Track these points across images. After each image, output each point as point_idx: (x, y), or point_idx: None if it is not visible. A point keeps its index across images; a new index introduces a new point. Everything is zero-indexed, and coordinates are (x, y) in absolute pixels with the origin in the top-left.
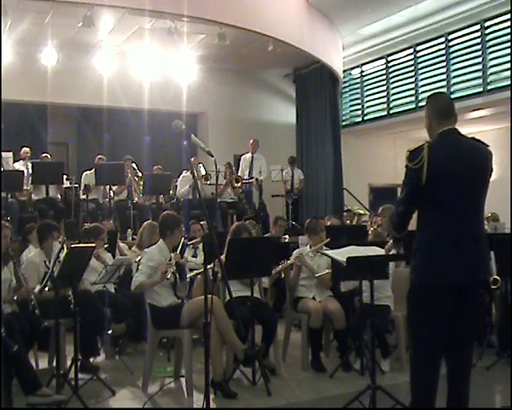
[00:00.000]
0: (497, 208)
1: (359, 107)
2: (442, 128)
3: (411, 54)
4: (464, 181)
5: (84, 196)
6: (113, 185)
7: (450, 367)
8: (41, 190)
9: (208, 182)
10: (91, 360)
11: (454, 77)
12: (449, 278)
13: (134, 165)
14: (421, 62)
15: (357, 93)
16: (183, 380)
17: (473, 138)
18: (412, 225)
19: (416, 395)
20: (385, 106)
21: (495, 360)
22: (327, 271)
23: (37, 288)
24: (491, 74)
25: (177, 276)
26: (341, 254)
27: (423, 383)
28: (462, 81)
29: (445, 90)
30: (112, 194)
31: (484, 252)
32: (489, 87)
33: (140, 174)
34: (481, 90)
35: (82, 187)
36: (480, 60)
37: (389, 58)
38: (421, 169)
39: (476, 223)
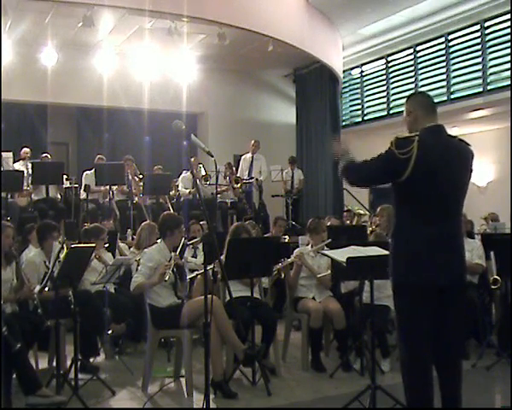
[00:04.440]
0: (497, 208)
1: (359, 107)
2: (428, 123)
3: (411, 54)
4: (448, 182)
5: (84, 196)
6: (114, 185)
7: (437, 370)
8: (41, 190)
9: (208, 182)
10: (91, 360)
11: (454, 77)
12: (427, 279)
13: (134, 165)
14: (421, 62)
15: (357, 93)
16: (183, 380)
17: (456, 138)
18: None
19: (410, 393)
20: (385, 106)
21: (495, 360)
22: (328, 272)
23: (37, 288)
24: (491, 74)
25: (178, 276)
26: (341, 254)
27: (415, 380)
28: (462, 81)
29: (444, 90)
30: (112, 194)
31: (461, 254)
32: (489, 87)
33: (141, 176)
34: (481, 90)
35: (82, 187)
36: (480, 60)
37: (389, 58)
38: (407, 161)
39: (456, 225)
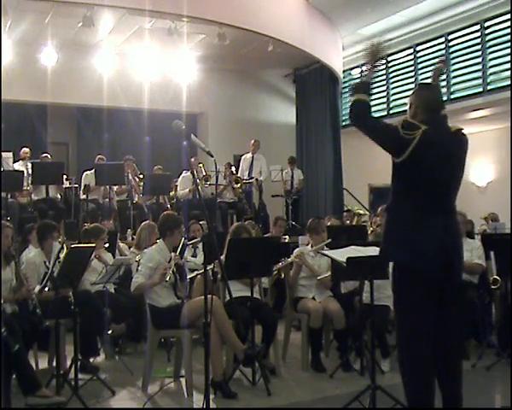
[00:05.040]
0: (497, 208)
1: None
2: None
3: (411, 54)
4: (445, 172)
5: (84, 196)
6: (114, 185)
7: (438, 370)
8: (41, 190)
9: (208, 182)
10: (91, 360)
11: (454, 77)
12: (420, 260)
13: (134, 165)
14: (421, 62)
15: None
16: (182, 380)
17: (456, 128)
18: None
19: (410, 393)
20: (385, 106)
21: (495, 360)
22: (329, 273)
23: (37, 288)
24: (491, 74)
25: (178, 276)
26: (341, 254)
27: (415, 380)
28: (462, 81)
29: (444, 90)
30: (112, 194)
31: (459, 242)
32: (489, 87)
33: (142, 176)
34: (481, 90)
35: (82, 187)
36: (480, 60)
37: (389, 58)
38: (409, 143)
39: (450, 214)
